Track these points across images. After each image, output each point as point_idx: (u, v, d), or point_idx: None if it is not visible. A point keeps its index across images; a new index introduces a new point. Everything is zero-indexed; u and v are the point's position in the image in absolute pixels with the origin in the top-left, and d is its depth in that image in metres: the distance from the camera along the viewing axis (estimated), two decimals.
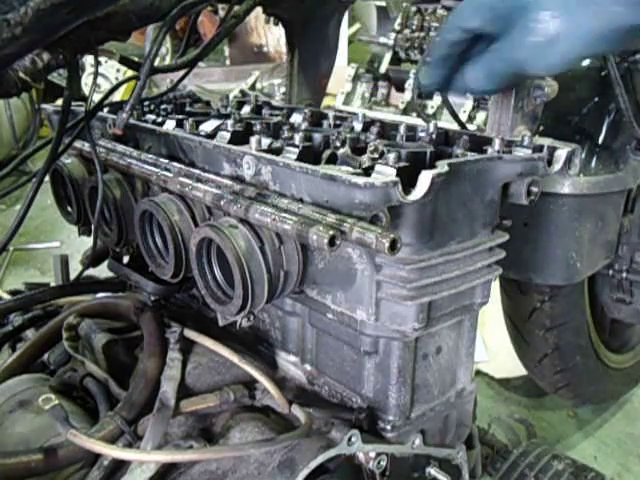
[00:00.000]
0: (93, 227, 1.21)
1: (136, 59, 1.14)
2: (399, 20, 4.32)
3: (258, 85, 4.71)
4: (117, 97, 3.44)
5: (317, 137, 0.98)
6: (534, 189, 0.95)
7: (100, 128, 1.25)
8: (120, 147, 1.15)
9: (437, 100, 3.54)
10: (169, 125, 1.14)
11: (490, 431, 1.64)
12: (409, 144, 0.96)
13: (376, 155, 0.91)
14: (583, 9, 0.73)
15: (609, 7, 0.71)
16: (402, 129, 1.01)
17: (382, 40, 4.31)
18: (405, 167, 0.81)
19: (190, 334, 1.09)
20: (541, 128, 1.55)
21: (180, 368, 1.02)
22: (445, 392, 1.05)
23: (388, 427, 0.98)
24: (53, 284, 1.36)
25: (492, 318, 2.21)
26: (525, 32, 0.79)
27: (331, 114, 1.22)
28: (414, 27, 4.25)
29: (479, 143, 0.98)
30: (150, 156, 1.08)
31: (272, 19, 1.65)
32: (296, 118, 1.22)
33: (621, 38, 0.75)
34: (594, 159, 1.55)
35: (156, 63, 1.06)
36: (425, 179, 0.77)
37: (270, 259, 0.88)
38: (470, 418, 1.12)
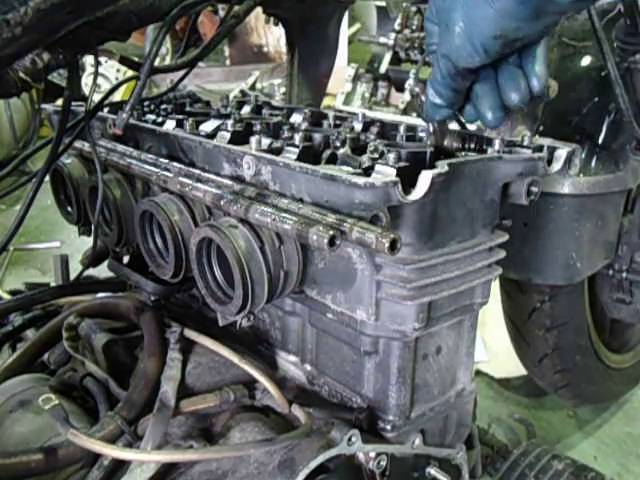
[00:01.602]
0: (93, 227, 1.21)
1: (136, 59, 1.14)
2: (399, 20, 4.32)
3: (258, 85, 4.71)
4: (117, 97, 3.44)
5: (317, 137, 0.98)
6: (534, 189, 0.95)
7: (100, 128, 1.25)
8: (120, 147, 1.15)
9: None
10: (169, 125, 1.14)
11: (490, 431, 1.64)
12: (409, 144, 0.96)
13: (376, 155, 0.91)
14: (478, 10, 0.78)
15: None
16: (402, 129, 1.01)
17: (382, 40, 4.31)
18: (405, 167, 0.81)
19: (190, 334, 1.09)
20: (541, 128, 1.55)
21: (180, 368, 1.02)
22: (445, 392, 1.05)
23: (388, 427, 0.98)
24: (53, 284, 1.36)
25: (492, 318, 2.21)
26: (445, 30, 0.84)
27: (331, 114, 1.22)
28: (414, 27, 4.26)
29: (479, 143, 0.99)
30: (150, 156, 1.08)
31: (272, 19, 1.65)
32: (296, 118, 1.22)
33: (528, 13, 0.77)
34: (594, 159, 1.55)
35: (156, 63, 1.06)
36: (425, 179, 0.77)
37: (270, 259, 0.88)
38: (470, 418, 1.12)
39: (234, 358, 1.03)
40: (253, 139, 0.92)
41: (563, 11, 0.79)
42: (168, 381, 0.97)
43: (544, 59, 0.86)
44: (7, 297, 1.32)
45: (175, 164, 1.03)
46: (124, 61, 1.12)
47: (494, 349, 2.57)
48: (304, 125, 1.12)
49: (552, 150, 0.95)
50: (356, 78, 4.32)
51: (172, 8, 1.03)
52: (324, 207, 0.81)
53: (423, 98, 0.96)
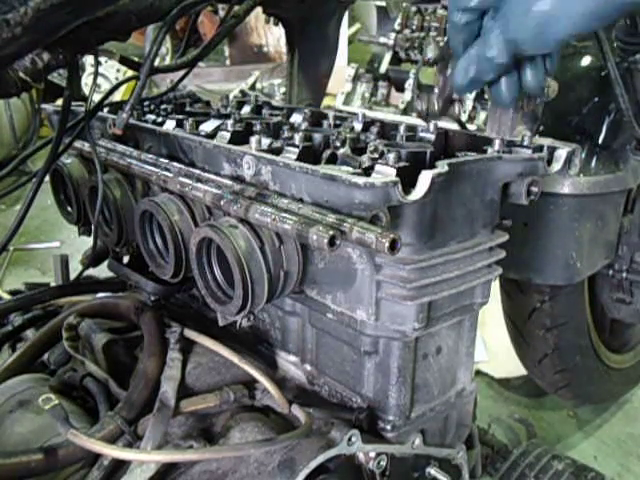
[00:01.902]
0: (93, 227, 1.21)
1: (136, 59, 1.14)
2: (399, 20, 4.32)
3: (258, 85, 4.71)
4: (117, 97, 3.44)
5: (317, 137, 0.98)
6: (534, 189, 0.95)
7: (100, 128, 1.25)
8: (120, 147, 1.15)
9: None
10: (169, 125, 1.14)
11: (490, 431, 1.64)
12: (409, 144, 0.96)
13: (376, 155, 0.91)
14: None
15: None
16: (402, 129, 1.01)
17: (382, 40, 4.31)
18: (405, 167, 0.81)
19: (190, 334, 1.09)
20: (541, 128, 1.55)
21: (180, 368, 1.02)
22: (445, 392, 1.05)
23: (388, 427, 0.98)
24: (53, 284, 1.36)
25: (492, 318, 2.21)
26: (519, 12, 0.79)
27: (331, 114, 1.22)
28: (414, 27, 4.25)
29: (479, 143, 0.99)
30: (150, 156, 1.08)
31: (272, 19, 1.65)
32: (296, 118, 1.22)
33: (613, 14, 0.76)
34: (594, 159, 1.55)
35: (156, 63, 1.06)
36: (425, 179, 0.77)
37: (270, 259, 0.88)
38: (470, 418, 1.12)
39: (234, 358, 1.03)
40: (253, 139, 0.92)
41: None
42: (168, 381, 0.97)
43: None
44: (7, 297, 1.32)
45: (175, 164, 1.03)
46: (124, 61, 1.12)
47: (494, 349, 2.57)
48: (304, 125, 1.12)
49: (552, 150, 0.95)
50: (356, 78, 4.31)
51: (172, 8, 1.03)
52: (324, 207, 0.81)
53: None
